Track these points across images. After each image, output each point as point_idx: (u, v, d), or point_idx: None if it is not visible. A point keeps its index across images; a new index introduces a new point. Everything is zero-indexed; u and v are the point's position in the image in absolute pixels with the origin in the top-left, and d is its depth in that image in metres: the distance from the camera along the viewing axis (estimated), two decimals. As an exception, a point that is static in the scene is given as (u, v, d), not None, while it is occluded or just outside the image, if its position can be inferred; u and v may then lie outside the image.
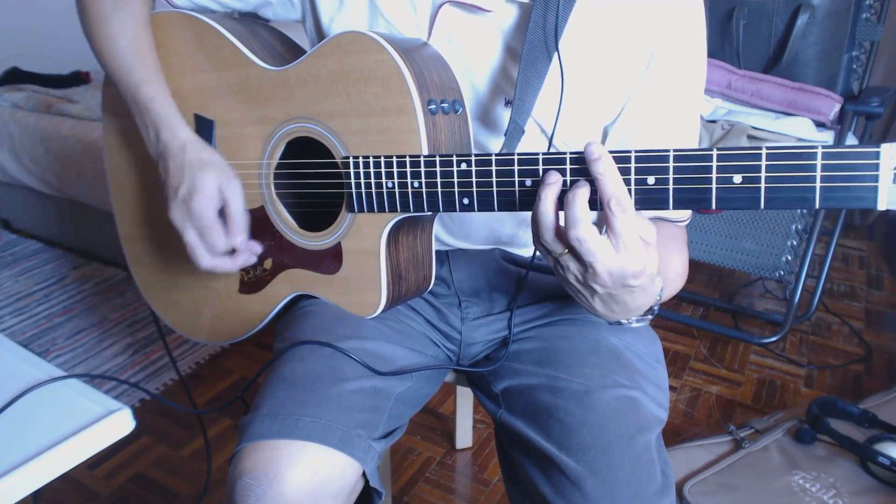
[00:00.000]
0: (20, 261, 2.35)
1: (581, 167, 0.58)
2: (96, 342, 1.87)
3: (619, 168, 0.57)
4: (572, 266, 0.58)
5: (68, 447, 0.55)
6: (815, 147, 0.51)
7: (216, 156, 0.77)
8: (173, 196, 0.75)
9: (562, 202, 0.57)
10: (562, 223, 0.57)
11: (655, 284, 0.62)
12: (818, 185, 0.51)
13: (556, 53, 0.68)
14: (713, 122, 1.87)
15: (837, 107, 1.77)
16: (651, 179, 0.57)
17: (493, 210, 0.64)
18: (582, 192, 0.55)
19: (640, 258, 0.55)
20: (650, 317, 0.66)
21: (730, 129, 1.81)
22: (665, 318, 1.97)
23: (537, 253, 0.80)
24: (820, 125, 1.80)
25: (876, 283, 2.23)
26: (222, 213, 0.76)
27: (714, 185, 0.55)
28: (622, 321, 0.65)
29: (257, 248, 0.80)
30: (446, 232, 0.83)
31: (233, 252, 0.78)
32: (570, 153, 0.58)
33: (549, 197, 0.57)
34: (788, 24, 1.78)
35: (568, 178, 0.59)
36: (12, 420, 0.58)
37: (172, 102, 0.79)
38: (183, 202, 0.74)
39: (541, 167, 0.60)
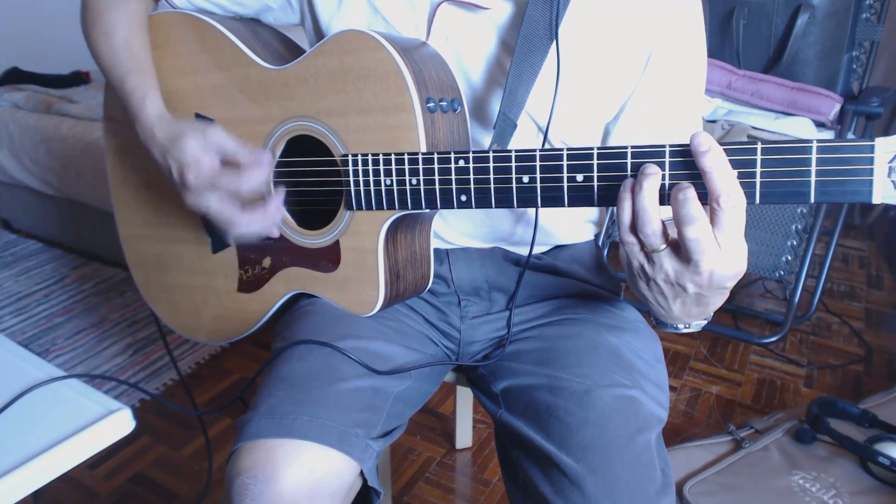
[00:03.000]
0: (20, 261, 2.35)
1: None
2: (96, 342, 1.87)
3: (615, 164, 0.57)
4: (667, 263, 0.55)
5: (68, 447, 0.55)
6: (811, 141, 0.51)
7: (184, 123, 0.74)
8: (175, 184, 0.73)
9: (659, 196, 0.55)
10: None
11: None
12: (813, 178, 0.51)
13: (554, 41, 0.68)
14: (713, 122, 1.88)
15: (837, 107, 1.77)
16: (648, 176, 0.57)
17: (491, 206, 0.64)
18: (693, 190, 0.52)
19: (743, 258, 0.53)
20: (705, 322, 0.64)
21: (730, 129, 1.81)
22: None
23: (536, 251, 0.80)
24: (820, 125, 1.80)
25: (876, 283, 2.23)
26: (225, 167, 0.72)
27: None
28: (679, 326, 0.64)
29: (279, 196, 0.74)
30: (447, 229, 0.83)
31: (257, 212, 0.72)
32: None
33: (652, 188, 0.54)
34: (788, 24, 1.78)
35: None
36: (12, 420, 0.58)
37: (153, 93, 0.77)
38: (182, 184, 0.72)
39: (538, 163, 0.61)
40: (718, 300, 0.58)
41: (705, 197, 0.53)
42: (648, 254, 0.56)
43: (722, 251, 0.52)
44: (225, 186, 0.70)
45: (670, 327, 0.65)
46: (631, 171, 0.57)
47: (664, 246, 0.55)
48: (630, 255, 0.58)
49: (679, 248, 0.54)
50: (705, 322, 0.64)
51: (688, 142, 0.54)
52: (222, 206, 0.70)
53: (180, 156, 0.71)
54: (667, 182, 0.56)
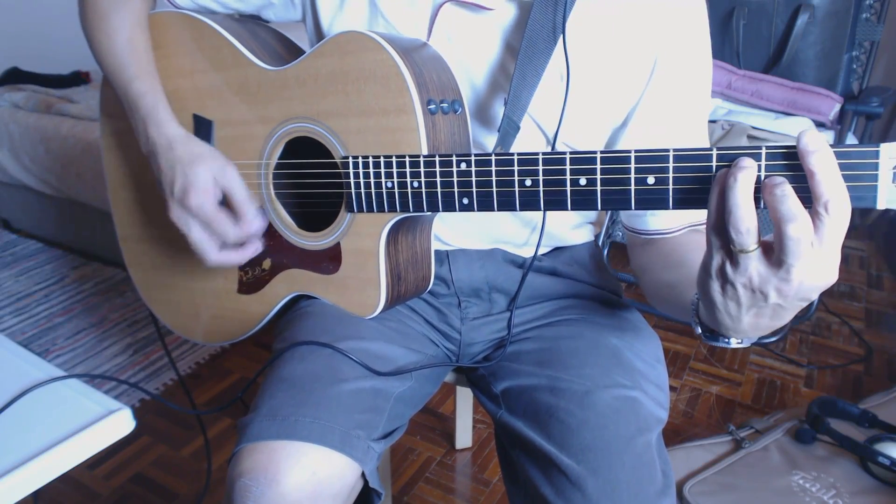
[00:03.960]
0: (20, 261, 2.35)
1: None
2: (96, 342, 1.87)
3: (618, 167, 0.57)
4: (753, 266, 0.50)
5: (68, 447, 0.55)
6: None
7: (206, 147, 0.76)
8: (170, 195, 0.75)
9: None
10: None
11: None
12: None
13: (559, 42, 0.68)
14: (713, 122, 1.88)
15: (837, 107, 1.77)
16: (651, 179, 0.56)
17: (493, 210, 0.64)
18: (791, 187, 0.48)
19: (837, 268, 0.49)
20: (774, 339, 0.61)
21: (730, 129, 1.81)
22: (665, 318, 1.97)
23: (537, 252, 0.80)
24: (820, 125, 1.80)
25: (876, 283, 2.23)
26: (224, 207, 0.75)
27: None
28: (731, 341, 0.58)
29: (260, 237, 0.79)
30: (447, 231, 0.83)
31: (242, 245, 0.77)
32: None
33: (748, 182, 0.49)
34: (788, 24, 1.78)
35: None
36: (12, 420, 0.58)
37: (163, 99, 0.78)
38: (179, 201, 0.74)
39: (541, 167, 0.60)
40: (792, 314, 0.53)
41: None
42: (735, 254, 0.51)
43: (819, 259, 0.48)
44: (215, 228, 0.74)
45: (722, 341, 0.59)
46: (635, 174, 0.57)
47: (755, 247, 0.50)
48: (711, 253, 0.53)
49: (770, 251, 0.50)
50: (774, 339, 0.59)
51: (692, 146, 0.53)
52: (203, 240, 0.75)
53: (191, 177, 0.73)
54: (664, 186, 0.56)
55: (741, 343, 0.58)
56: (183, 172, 0.73)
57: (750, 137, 1.79)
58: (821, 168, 0.47)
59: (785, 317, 0.53)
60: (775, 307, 0.52)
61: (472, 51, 0.74)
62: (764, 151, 0.51)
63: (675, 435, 1.52)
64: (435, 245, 0.81)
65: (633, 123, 0.74)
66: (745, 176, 0.49)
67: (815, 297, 0.50)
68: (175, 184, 0.74)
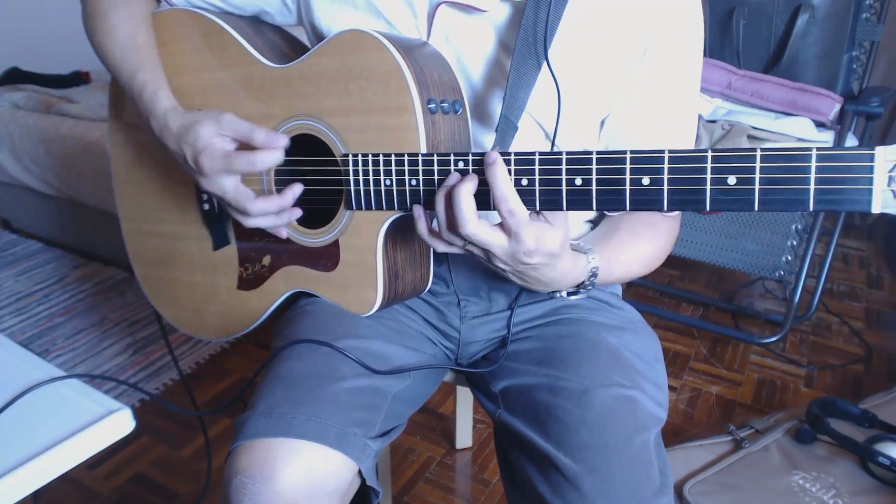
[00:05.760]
0: (20, 261, 2.35)
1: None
2: (96, 342, 1.87)
3: (614, 168, 0.57)
4: (475, 251, 0.64)
5: (68, 447, 0.55)
6: (810, 149, 0.51)
7: (196, 113, 0.75)
8: (191, 172, 0.74)
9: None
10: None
11: (578, 262, 0.68)
12: (812, 187, 0.51)
13: (545, 61, 0.68)
14: (713, 122, 1.87)
15: (837, 107, 1.77)
16: (646, 180, 0.57)
17: (490, 209, 0.64)
18: (465, 191, 0.61)
19: (531, 238, 0.60)
20: (583, 292, 0.71)
21: (730, 129, 1.81)
22: (665, 318, 1.97)
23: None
24: (820, 125, 1.80)
25: (876, 283, 2.23)
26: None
27: (708, 187, 0.55)
28: (556, 293, 0.72)
29: (297, 188, 0.74)
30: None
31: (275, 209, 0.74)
32: (473, 154, 0.64)
33: (441, 199, 0.63)
34: (788, 25, 1.77)
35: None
36: (12, 420, 0.58)
37: (164, 87, 0.78)
38: (198, 170, 0.72)
39: (537, 167, 0.60)
40: (547, 272, 0.65)
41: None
42: (461, 248, 0.65)
43: (508, 238, 0.61)
44: (238, 167, 0.70)
45: (550, 293, 0.73)
46: (630, 174, 0.57)
47: (465, 242, 0.64)
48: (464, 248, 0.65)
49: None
50: (583, 292, 0.71)
51: (687, 146, 0.54)
52: (237, 192, 0.71)
53: (195, 142, 0.71)
54: (662, 185, 0.56)
55: (562, 294, 0.72)
56: (186, 143, 0.72)
57: (750, 137, 1.79)
58: (494, 176, 0.60)
59: (538, 276, 0.65)
60: (515, 272, 0.65)
61: (469, 51, 0.74)
62: (470, 157, 0.64)
63: (675, 435, 1.52)
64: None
65: (615, 110, 0.74)
66: (443, 194, 0.63)
67: (530, 260, 0.62)
68: (187, 158, 0.73)
